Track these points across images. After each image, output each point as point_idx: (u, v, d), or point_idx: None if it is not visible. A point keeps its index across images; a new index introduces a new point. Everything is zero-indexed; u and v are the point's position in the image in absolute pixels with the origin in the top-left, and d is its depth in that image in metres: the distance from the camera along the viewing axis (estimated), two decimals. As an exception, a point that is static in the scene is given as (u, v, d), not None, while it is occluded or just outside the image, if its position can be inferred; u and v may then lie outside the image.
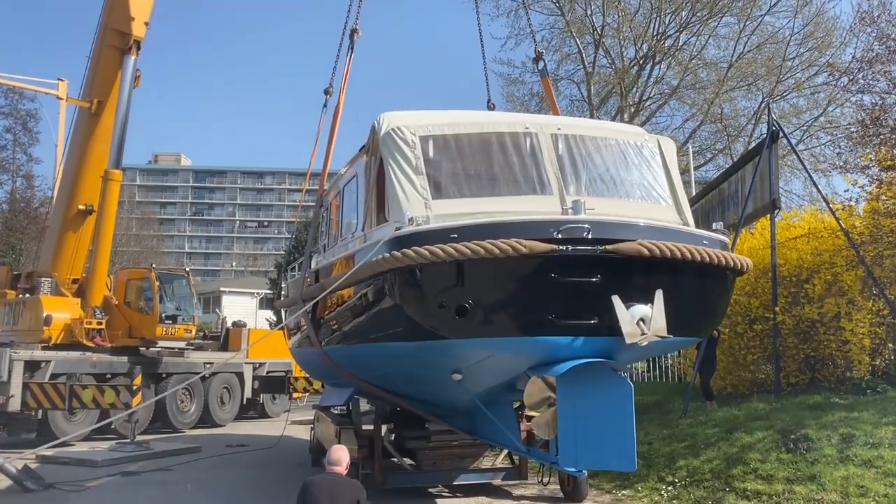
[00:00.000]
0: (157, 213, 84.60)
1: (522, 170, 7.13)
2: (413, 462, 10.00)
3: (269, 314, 40.71)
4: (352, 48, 11.10)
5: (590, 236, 5.95)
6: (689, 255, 6.11)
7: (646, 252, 5.91)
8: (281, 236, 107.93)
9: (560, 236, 5.90)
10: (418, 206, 6.68)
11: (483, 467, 10.37)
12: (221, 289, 53.14)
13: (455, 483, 9.85)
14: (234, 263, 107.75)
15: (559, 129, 7.47)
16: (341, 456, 6.08)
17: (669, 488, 9.33)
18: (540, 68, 13.33)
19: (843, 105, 22.77)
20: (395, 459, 9.97)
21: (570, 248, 5.89)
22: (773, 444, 9.18)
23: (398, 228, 6.46)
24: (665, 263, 6.04)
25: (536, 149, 7.17)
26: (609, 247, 5.92)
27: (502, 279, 6.03)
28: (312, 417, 13.48)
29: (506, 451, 10.41)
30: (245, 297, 50.39)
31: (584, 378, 6.06)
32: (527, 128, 7.36)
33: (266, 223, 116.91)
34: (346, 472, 6.07)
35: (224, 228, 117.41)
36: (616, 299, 5.86)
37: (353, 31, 11.15)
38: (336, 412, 11.54)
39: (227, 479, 11.67)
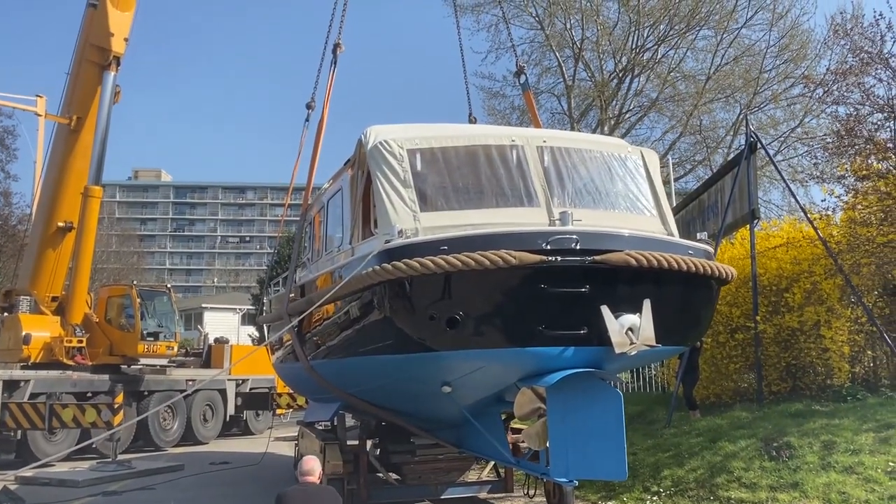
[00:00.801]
0: (137, 229, 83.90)
1: (509, 182, 7.19)
2: (398, 476, 9.95)
3: (252, 330, 40.43)
4: (335, 63, 11.14)
5: (578, 247, 6.00)
6: (675, 265, 6.18)
7: (633, 262, 5.97)
8: (263, 251, 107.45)
9: (549, 247, 5.95)
10: (407, 218, 6.70)
11: (469, 481, 10.34)
12: (203, 305, 52.69)
13: (441, 497, 9.81)
14: (215, 279, 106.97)
15: (545, 141, 7.55)
16: (313, 466, 6.12)
17: (654, 498, 9.37)
18: (521, 82, 13.43)
19: (819, 116, 23.12)
20: (380, 474, 9.92)
21: (558, 259, 5.93)
22: (756, 453, 9.26)
23: (388, 241, 6.46)
24: (652, 273, 6.11)
25: (523, 161, 7.23)
26: (597, 257, 5.97)
27: (493, 291, 6.06)
28: (297, 433, 13.40)
29: (491, 465, 10.39)
30: (227, 314, 50.03)
31: (574, 388, 6.08)
32: (513, 140, 7.42)
33: (248, 238, 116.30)
34: (319, 482, 6.11)
35: (205, 244, 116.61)
36: (605, 309, 5.91)
37: (336, 45, 11.19)
38: (320, 428, 11.48)
39: (211, 497, 11.56)
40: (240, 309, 50.13)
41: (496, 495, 10.35)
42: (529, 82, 15.65)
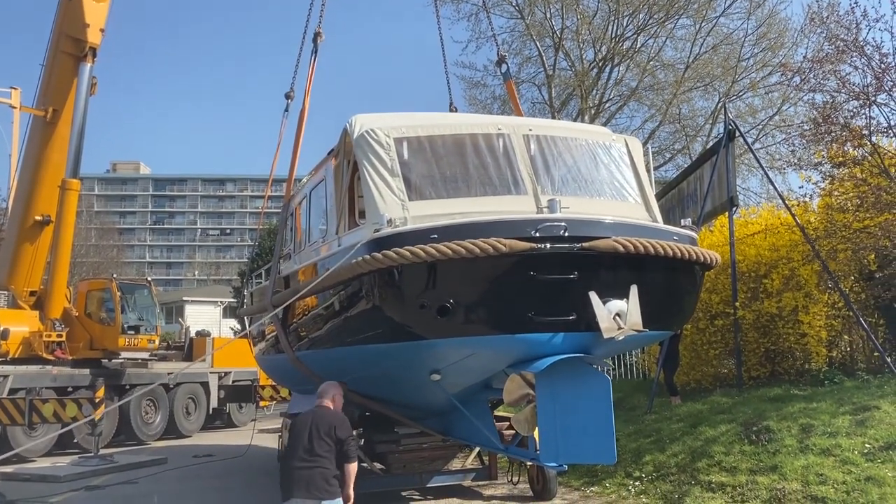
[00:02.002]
0: (116, 222, 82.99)
1: (497, 170, 7.20)
2: (383, 466, 10.00)
3: (234, 323, 40.23)
4: (315, 52, 11.07)
5: (566, 234, 6.04)
6: (661, 251, 6.25)
7: (621, 248, 6.03)
8: (244, 244, 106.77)
9: (538, 235, 5.98)
10: (395, 207, 6.70)
11: (453, 469, 10.41)
12: (184, 298, 52.34)
13: (426, 485, 9.88)
14: (196, 272, 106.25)
15: (531, 129, 7.58)
16: (328, 389, 6.48)
17: (636, 483, 9.48)
18: (503, 71, 13.43)
19: (797, 104, 23.36)
20: (364, 464, 9.95)
21: (547, 246, 5.97)
22: (735, 437, 9.38)
23: (377, 230, 6.46)
24: (639, 259, 6.17)
25: (509, 149, 7.25)
26: (585, 244, 6.02)
27: (483, 278, 6.10)
28: (280, 425, 13.38)
29: (475, 453, 10.46)
30: (209, 307, 49.74)
31: (562, 374, 6.14)
32: (499, 129, 7.44)
33: (228, 231, 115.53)
34: (332, 405, 6.41)
35: (185, 237, 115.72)
36: (593, 295, 5.96)
37: (317, 34, 11.10)
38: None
39: (195, 491, 11.53)
40: (221, 302, 49.86)
41: (480, 483, 10.43)
42: (510, 72, 15.65)
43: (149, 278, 21.96)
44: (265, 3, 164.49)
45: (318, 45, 11.09)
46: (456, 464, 10.69)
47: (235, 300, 41.10)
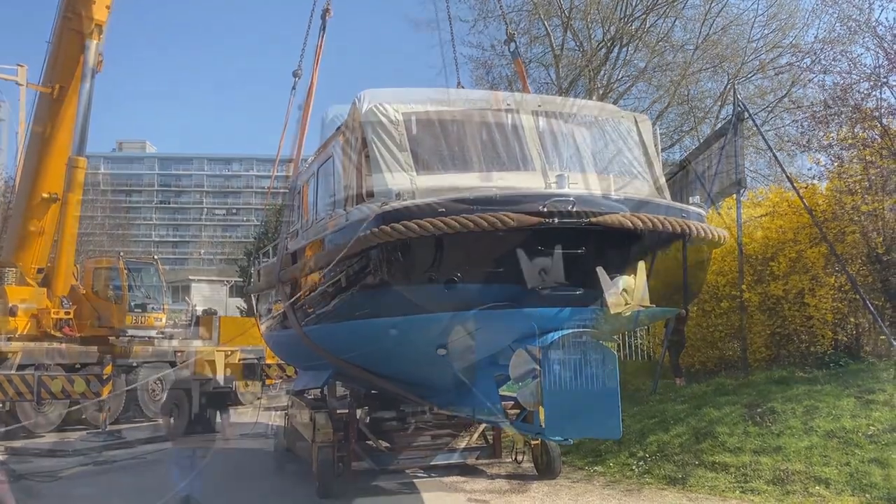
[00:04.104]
0: (123, 201, 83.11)
1: (505, 146, 7.20)
2: (388, 444, 10.06)
3: (240, 302, 40.34)
4: (323, 29, 11.01)
5: (574, 209, 6.03)
6: (669, 227, 6.23)
7: (629, 224, 6.01)
8: (250, 223, 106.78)
9: (546, 210, 5.97)
10: (403, 182, 6.71)
11: (458, 447, 10.46)
12: (190, 277, 52.51)
13: (430, 463, 9.94)
14: (202, 251, 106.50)
15: (540, 106, 7.56)
16: None
17: (640, 463, 9.53)
18: (511, 50, 13.34)
19: (806, 86, 23.12)
20: (370, 442, 10.02)
21: (555, 220, 5.96)
22: (740, 418, 9.42)
23: (384, 204, 6.46)
24: (647, 235, 6.16)
25: (518, 126, 7.24)
26: (594, 219, 6.00)
27: (490, 252, 6.10)
28: (286, 403, 13.47)
29: (480, 431, 10.51)
30: (215, 285, 49.89)
31: (569, 348, 6.16)
32: (508, 105, 7.43)
33: (234, 210, 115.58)
34: None
35: (191, 216, 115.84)
36: (600, 270, 5.96)
37: (325, 11, 11.05)
38: (310, 397, 11.55)
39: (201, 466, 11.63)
40: (227, 281, 50.00)
41: (484, 461, 10.49)
42: (519, 51, 15.51)
43: (155, 257, 22.06)
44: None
45: (327, 21, 11.03)
46: (460, 442, 10.75)
47: (242, 279, 41.23)
